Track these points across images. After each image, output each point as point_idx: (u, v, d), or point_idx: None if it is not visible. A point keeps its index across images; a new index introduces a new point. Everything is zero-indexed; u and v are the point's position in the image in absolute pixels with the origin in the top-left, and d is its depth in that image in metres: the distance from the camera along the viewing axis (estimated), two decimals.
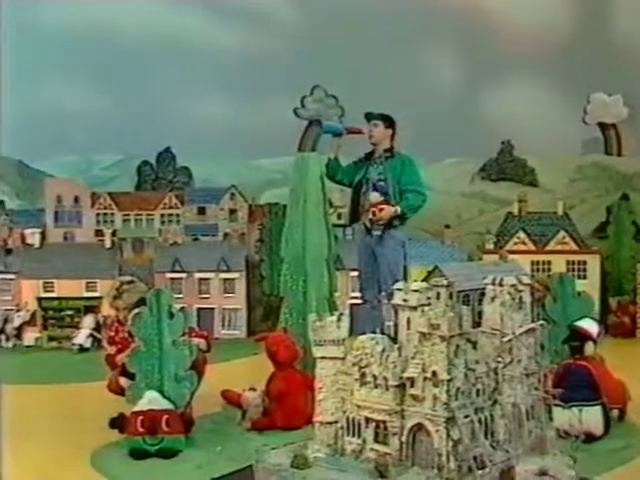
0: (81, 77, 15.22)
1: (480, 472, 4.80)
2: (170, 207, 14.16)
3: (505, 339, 5.29)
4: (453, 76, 15.16)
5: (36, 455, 6.76)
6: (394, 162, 8.76)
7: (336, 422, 5.29)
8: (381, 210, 8.51)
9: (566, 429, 6.45)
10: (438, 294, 4.97)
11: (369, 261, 8.61)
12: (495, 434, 5.11)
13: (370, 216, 8.61)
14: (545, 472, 4.93)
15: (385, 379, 5.01)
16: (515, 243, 12.25)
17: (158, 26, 14.94)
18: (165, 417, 6.66)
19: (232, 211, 14.12)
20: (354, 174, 8.99)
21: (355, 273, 11.80)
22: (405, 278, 9.08)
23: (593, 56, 13.80)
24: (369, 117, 8.86)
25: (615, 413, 7.12)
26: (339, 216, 13.50)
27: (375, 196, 8.55)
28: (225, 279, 12.08)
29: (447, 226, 12.67)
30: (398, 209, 8.49)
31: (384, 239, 8.62)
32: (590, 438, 6.60)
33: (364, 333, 5.47)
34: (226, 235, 13.67)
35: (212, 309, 12.08)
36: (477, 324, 5.35)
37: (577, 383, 6.91)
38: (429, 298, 5.02)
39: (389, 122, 8.92)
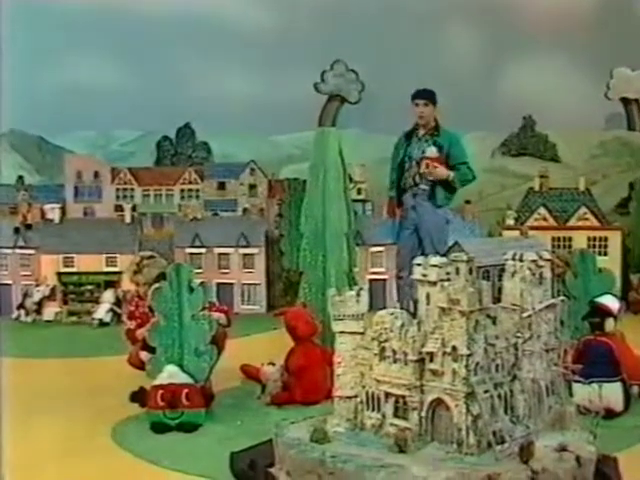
0: (101, 53, 15.20)
1: (499, 447, 4.79)
2: (190, 182, 14.17)
3: (525, 314, 5.27)
4: (475, 51, 15.05)
5: (57, 429, 6.80)
6: (442, 138, 8.74)
7: (355, 397, 5.30)
8: (435, 167, 8.47)
9: (586, 405, 6.46)
10: (458, 269, 4.95)
11: (410, 237, 8.58)
12: (515, 409, 5.10)
13: (423, 168, 8.56)
14: (565, 448, 4.92)
15: (404, 354, 5.00)
16: (536, 219, 12.19)
17: (178, 1, 14.89)
18: (185, 391, 6.68)
19: (252, 186, 14.11)
20: (397, 157, 8.96)
21: (375, 249, 11.91)
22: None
23: (616, 31, 13.66)
24: (417, 96, 8.83)
25: (635, 390, 7.09)
26: (359, 191, 13.47)
27: (432, 150, 8.51)
28: (245, 254, 12.09)
29: (467, 202, 12.60)
30: (451, 174, 8.48)
31: (428, 213, 8.60)
32: (610, 414, 6.58)
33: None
34: (245, 210, 13.65)
35: (231, 284, 12.09)
36: (497, 300, 5.33)
37: (597, 359, 6.89)
38: (449, 273, 5.01)
39: (434, 101, 8.93)
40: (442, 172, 8.64)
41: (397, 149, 9.25)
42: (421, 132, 8.96)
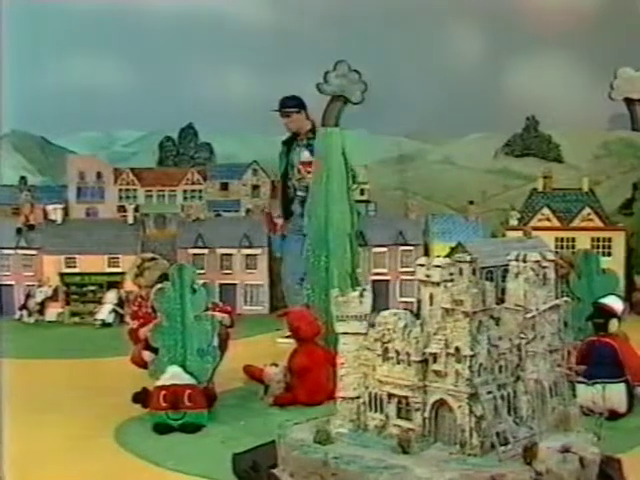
0: (104, 53, 15.18)
1: (503, 448, 4.78)
2: (193, 183, 14.15)
3: (528, 315, 5.26)
4: (478, 50, 15.02)
5: (59, 429, 6.80)
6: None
7: (358, 397, 5.29)
8: (309, 172, 8.51)
9: (590, 406, 6.44)
10: (461, 270, 4.94)
11: (296, 244, 8.62)
12: (518, 410, 5.09)
13: (297, 175, 8.59)
14: (568, 449, 4.91)
15: (408, 355, 5.00)
16: (539, 220, 12.15)
17: (180, 1, 14.89)
18: (188, 392, 6.68)
19: (254, 187, 14.09)
20: (280, 165, 9.00)
21: (378, 249, 11.90)
22: None
23: (621, 31, 13.63)
24: (281, 107, 8.86)
25: (639, 391, 7.07)
26: (362, 192, 13.46)
27: (306, 155, 8.54)
28: (247, 255, 12.07)
29: (471, 202, 12.58)
30: None
31: None
32: (614, 415, 6.57)
33: None
34: (248, 211, 13.65)
35: (234, 285, 12.07)
36: (500, 301, 5.32)
37: (601, 360, 6.87)
38: (452, 274, 4.99)
39: (299, 106, 8.95)
40: None
41: (280, 159, 9.30)
42: (299, 138, 8.99)
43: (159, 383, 6.75)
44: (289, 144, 9.44)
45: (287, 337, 9.18)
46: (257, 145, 15.12)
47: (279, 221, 10.08)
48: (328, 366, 6.78)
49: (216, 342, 7.05)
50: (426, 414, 4.95)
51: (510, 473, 4.62)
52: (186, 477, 5.75)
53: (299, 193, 9.16)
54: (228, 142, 15.53)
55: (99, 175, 13.98)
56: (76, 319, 11.84)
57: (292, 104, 9.20)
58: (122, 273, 11.66)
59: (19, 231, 12.23)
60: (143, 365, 7.22)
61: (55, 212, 12.61)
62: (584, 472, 4.88)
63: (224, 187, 14.13)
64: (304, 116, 9.26)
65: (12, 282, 12.18)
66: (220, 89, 14.58)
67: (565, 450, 4.88)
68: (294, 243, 9.35)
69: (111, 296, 11.72)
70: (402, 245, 12.01)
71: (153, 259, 7.99)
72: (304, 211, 9.03)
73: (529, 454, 4.72)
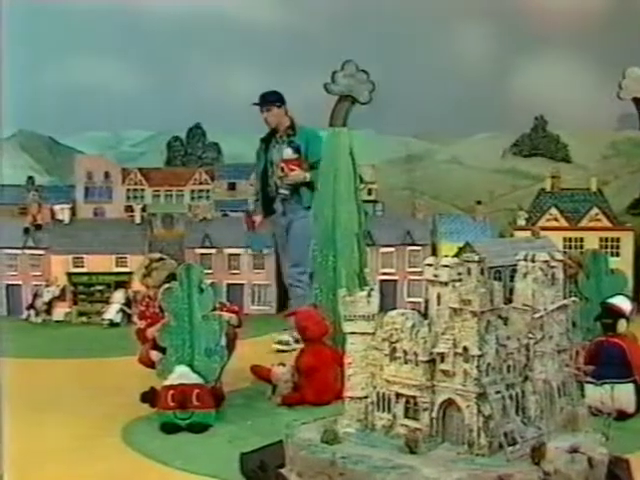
0: (112, 54, 15.20)
1: (511, 448, 4.77)
2: (200, 183, 14.15)
3: (537, 315, 5.24)
4: (486, 50, 15.00)
5: (67, 429, 6.80)
6: (298, 137, 8.78)
7: (366, 397, 5.28)
8: (292, 170, 8.50)
9: (598, 406, 6.41)
10: (469, 269, 4.92)
11: (282, 239, 8.62)
12: (526, 410, 5.08)
13: (279, 173, 8.57)
14: (577, 449, 4.89)
15: (415, 354, 4.99)
16: (547, 220, 12.13)
17: (188, 1, 14.89)
18: (195, 391, 6.67)
19: None
20: (258, 163, 8.97)
21: (386, 249, 11.90)
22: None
23: (629, 31, 13.59)
24: (261, 101, 8.86)
25: None
26: (369, 192, 13.46)
27: (288, 152, 8.52)
28: (255, 255, 12.06)
29: (479, 202, 12.57)
30: (308, 175, 8.51)
31: (297, 217, 8.62)
32: (622, 416, 6.54)
33: None
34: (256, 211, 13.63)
35: (242, 285, 12.07)
36: (508, 301, 5.31)
37: (609, 360, 6.85)
38: (460, 274, 4.98)
39: (280, 101, 8.94)
40: (297, 175, 8.67)
41: (258, 156, 9.26)
42: (278, 134, 8.96)
43: (167, 383, 6.74)
44: (267, 141, 9.38)
45: (279, 343, 9.22)
46: None
47: (257, 219, 10.04)
48: (336, 366, 6.77)
49: (224, 342, 7.05)
50: (434, 414, 4.94)
51: (518, 473, 4.61)
52: (194, 477, 5.74)
53: (282, 191, 9.09)
54: (236, 142, 15.53)
55: (107, 175, 13.99)
56: (83, 319, 11.85)
57: (273, 99, 9.16)
58: (130, 273, 11.67)
59: (26, 231, 12.24)
60: (151, 365, 7.23)
61: (63, 212, 12.62)
62: (592, 472, 4.86)
63: (231, 187, 14.14)
64: (284, 111, 9.22)
65: (19, 282, 12.20)
66: (228, 89, 14.58)
67: (573, 450, 4.86)
68: (284, 245, 9.31)
69: (119, 296, 11.72)
70: (410, 245, 12.01)
71: (161, 259, 7.99)
72: (285, 210, 9.00)
73: (537, 454, 4.70)
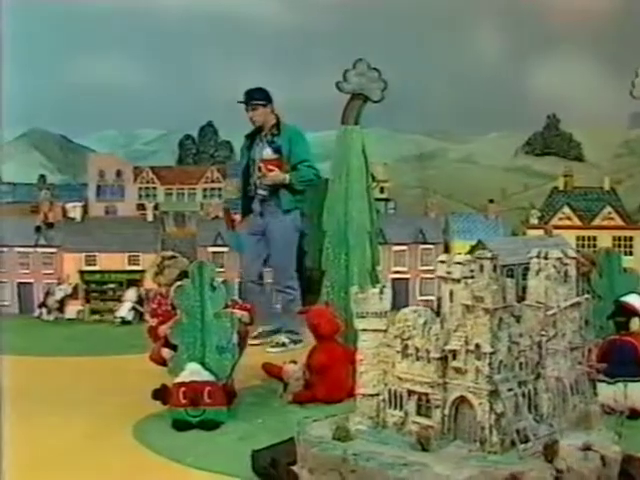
0: (123, 52, 15.24)
1: (523, 446, 4.75)
2: (212, 181, 14.16)
3: (549, 312, 5.23)
4: (498, 49, 14.98)
5: (79, 426, 6.80)
6: (281, 137, 8.71)
7: (378, 395, 5.26)
8: (270, 170, 8.44)
9: (611, 404, 6.40)
10: (482, 266, 4.91)
11: (256, 245, 8.57)
12: (539, 408, 5.06)
13: (258, 173, 8.51)
14: (589, 447, 4.87)
15: (427, 352, 4.97)
16: (560, 218, 12.10)
17: (199, 0, 14.91)
18: (207, 389, 6.67)
19: None
20: (242, 160, 8.90)
21: (398, 247, 11.89)
22: (299, 262, 9.08)
23: None
24: (247, 99, 8.79)
25: None
26: (382, 190, 13.45)
27: (268, 152, 8.47)
28: None
29: (491, 201, 12.55)
30: (287, 177, 8.46)
31: (274, 219, 8.58)
32: (635, 414, 6.51)
33: None
34: None
35: None
36: (521, 299, 5.30)
37: (622, 358, 6.82)
38: (472, 271, 4.96)
39: (266, 99, 8.86)
40: (276, 176, 8.58)
41: (242, 153, 9.14)
42: (263, 133, 8.87)
43: (178, 380, 6.74)
44: (252, 139, 9.24)
45: (274, 345, 9.18)
46: None
47: (237, 217, 9.97)
48: (347, 364, 6.75)
49: (235, 339, 7.04)
50: (446, 411, 4.93)
51: (530, 471, 4.59)
52: (205, 474, 5.74)
53: (260, 192, 8.97)
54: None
55: (119, 173, 14.01)
56: (96, 317, 11.87)
57: (260, 96, 9.05)
58: (142, 271, 11.68)
59: (38, 229, 12.26)
60: (162, 362, 7.24)
61: (74, 210, 12.64)
62: (605, 470, 4.84)
63: None
64: (270, 110, 9.10)
65: (31, 280, 12.22)
66: (240, 87, 14.52)
67: (586, 448, 4.84)
68: (253, 243, 9.18)
69: (131, 294, 11.74)
70: (422, 243, 12.00)
71: (173, 257, 7.99)
72: (263, 211, 8.90)
73: (550, 452, 4.69)
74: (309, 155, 8.92)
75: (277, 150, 8.82)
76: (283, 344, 9.16)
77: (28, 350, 9.74)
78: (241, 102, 8.98)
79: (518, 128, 15.64)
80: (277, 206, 8.90)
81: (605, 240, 11.75)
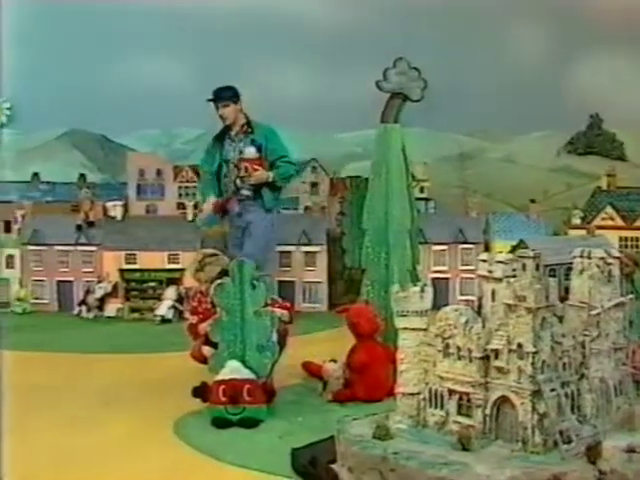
0: (164, 52, 15.30)
1: (566, 447, 4.70)
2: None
3: (593, 312, 5.17)
4: (541, 48, 14.86)
5: (120, 423, 6.84)
6: (257, 135, 8.62)
7: (418, 393, 5.24)
8: (255, 169, 8.36)
9: None
10: (524, 265, 4.87)
11: (237, 247, 8.49)
12: (582, 409, 5.01)
13: (242, 172, 8.41)
14: (633, 449, 4.81)
15: (469, 351, 4.94)
16: (603, 218, 11.98)
17: (241, 1, 14.94)
18: (247, 387, 6.67)
19: (313, 184, 14.09)
20: (212, 162, 8.80)
21: (438, 247, 11.84)
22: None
23: None
24: (216, 98, 8.70)
25: None
26: (422, 189, 13.40)
27: (251, 151, 8.38)
28: (306, 252, 12.06)
29: (532, 200, 12.47)
30: (271, 175, 8.38)
31: (255, 219, 8.49)
32: None
33: None
34: (307, 208, 13.62)
35: (293, 282, 12.07)
36: (563, 299, 5.26)
37: None
38: (515, 270, 4.93)
39: (235, 97, 8.76)
40: (261, 175, 8.46)
41: (210, 154, 8.99)
42: (233, 132, 8.75)
43: (218, 378, 6.75)
44: (221, 139, 9.09)
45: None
46: (316, 143, 15.13)
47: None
48: (387, 363, 6.74)
49: (275, 338, 7.05)
50: (487, 411, 4.89)
51: (573, 472, 4.55)
52: (244, 471, 5.74)
53: (244, 192, 8.83)
54: (287, 139, 15.53)
55: (159, 172, 14.05)
56: (136, 315, 11.92)
57: (228, 94, 8.95)
58: (182, 270, 11.72)
59: (79, 228, 12.34)
60: (203, 360, 7.25)
61: (115, 209, 12.72)
62: None
63: None
64: (239, 108, 9.00)
65: (71, 278, 12.30)
66: (279, 87, 14.58)
67: (630, 450, 4.79)
68: (237, 245, 9.02)
69: (171, 292, 11.78)
70: (462, 243, 11.95)
71: (214, 255, 7.99)
72: (242, 211, 8.79)
73: (593, 453, 4.64)
74: (286, 151, 8.82)
75: (259, 148, 8.73)
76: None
77: (68, 347, 9.82)
78: (210, 100, 8.89)
79: (560, 128, 15.51)
80: (260, 205, 8.74)
81: None
